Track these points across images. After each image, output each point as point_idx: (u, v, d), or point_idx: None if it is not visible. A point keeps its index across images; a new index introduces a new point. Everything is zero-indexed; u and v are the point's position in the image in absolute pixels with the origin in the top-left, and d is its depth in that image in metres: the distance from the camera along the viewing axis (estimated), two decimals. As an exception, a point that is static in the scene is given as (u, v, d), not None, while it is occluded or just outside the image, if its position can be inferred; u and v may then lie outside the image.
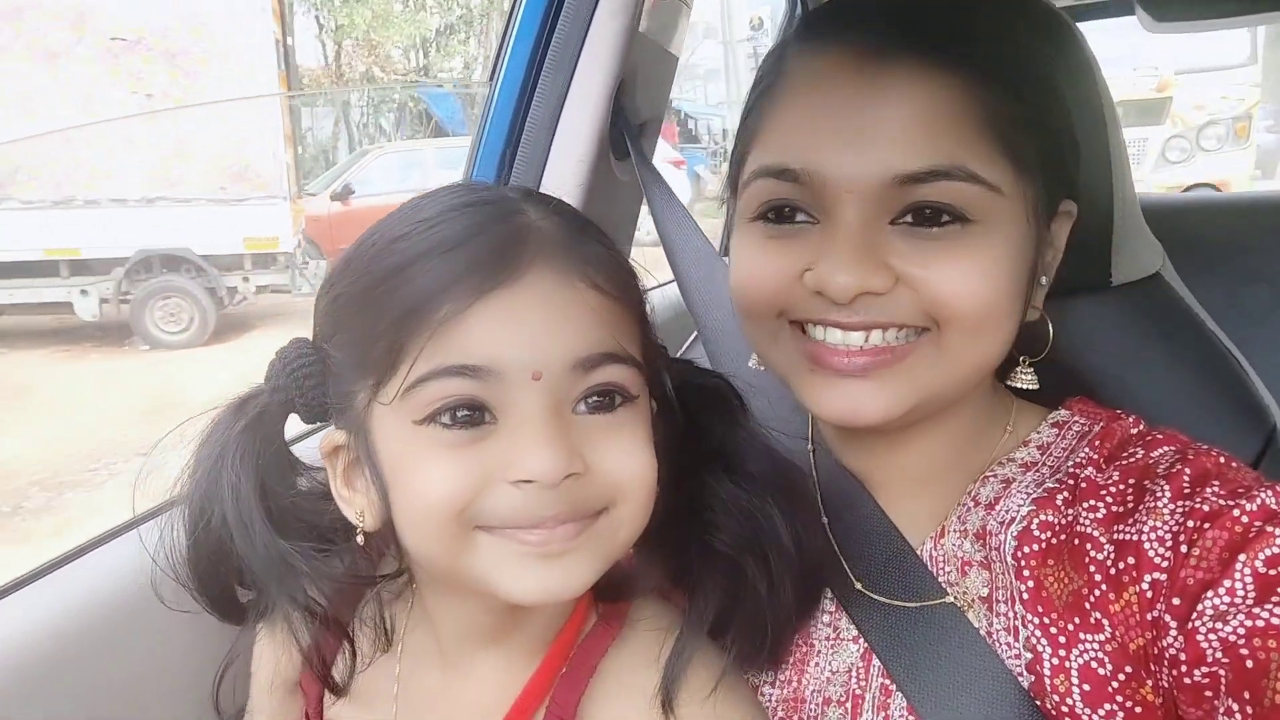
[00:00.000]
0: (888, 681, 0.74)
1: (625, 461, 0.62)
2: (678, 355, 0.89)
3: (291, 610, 0.65)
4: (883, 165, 0.68)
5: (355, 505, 0.65)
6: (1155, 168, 9.03)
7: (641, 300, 0.66)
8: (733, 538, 0.69)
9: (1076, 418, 0.80)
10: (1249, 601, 0.62)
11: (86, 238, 8.10)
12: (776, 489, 0.70)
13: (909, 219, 0.69)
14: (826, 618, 0.80)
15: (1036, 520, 0.73)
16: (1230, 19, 2.23)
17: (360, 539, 0.65)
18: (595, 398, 0.61)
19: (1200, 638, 0.62)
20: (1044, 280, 0.77)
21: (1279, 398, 0.94)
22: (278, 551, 0.64)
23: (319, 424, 0.71)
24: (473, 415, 0.59)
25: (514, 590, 0.60)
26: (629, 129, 1.17)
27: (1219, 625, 0.61)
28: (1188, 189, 2.74)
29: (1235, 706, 0.59)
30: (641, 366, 0.63)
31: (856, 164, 0.68)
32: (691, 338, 1.11)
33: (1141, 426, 0.78)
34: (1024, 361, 0.80)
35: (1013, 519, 0.74)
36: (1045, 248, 0.76)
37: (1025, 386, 0.80)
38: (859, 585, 0.78)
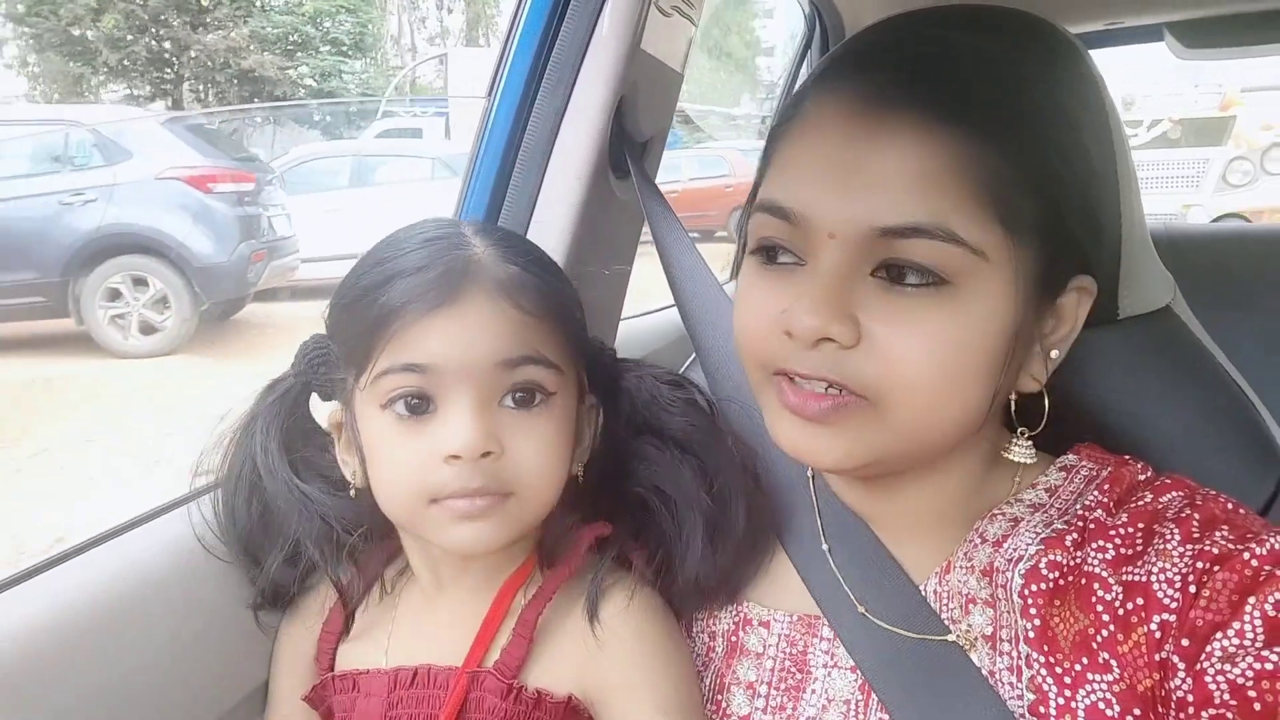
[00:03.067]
0: (886, 717, 0.74)
1: (533, 452, 0.78)
2: (681, 372, 0.93)
3: (311, 540, 0.84)
4: (865, 215, 0.67)
5: (350, 468, 0.84)
6: (1216, 191, 8.51)
7: (568, 314, 0.82)
8: (643, 482, 0.86)
9: (1084, 462, 0.80)
10: (1258, 644, 0.62)
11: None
12: (687, 445, 0.86)
13: (884, 273, 0.68)
14: (825, 644, 0.79)
15: (1045, 559, 0.72)
16: (1262, 46, 2.19)
17: (353, 493, 0.84)
18: (519, 394, 0.78)
19: (1208, 679, 0.62)
20: (1054, 354, 0.75)
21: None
22: (297, 490, 0.85)
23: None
24: (419, 403, 0.77)
25: (447, 543, 0.79)
26: (630, 147, 1.16)
27: (1227, 667, 0.61)
28: (1217, 219, 2.69)
29: None
30: (558, 368, 0.79)
31: (841, 210, 0.68)
32: (690, 359, 1.09)
33: (1149, 472, 0.77)
34: (1022, 434, 0.78)
35: (1020, 557, 0.74)
36: (1044, 320, 0.74)
37: (1019, 460, 0.78)
38: (860, 609, 0.77)
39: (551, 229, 1.12)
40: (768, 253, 0.74)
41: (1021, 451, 0.78)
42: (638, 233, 1.29)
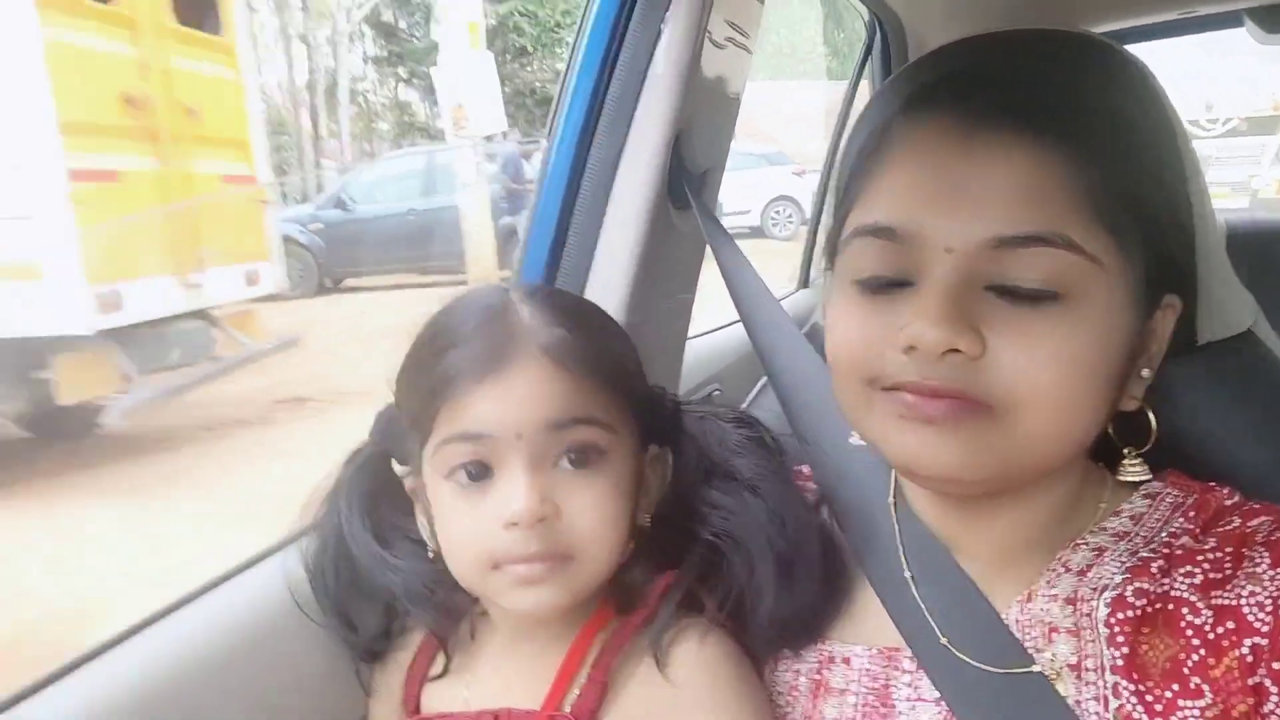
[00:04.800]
0: None
1: (590, 513, 0.79)
2: (749, 400, 0.95)
3: (404, 599, 0.86)
4: (982, 227, 0.67)
5: (427, 531, 0.86)
6: (1271, 164, 12.15)
7: (618, 371, 0.83)
8: (714, 528, 0.85)
9: (1170, 490, 0.78)
10: None
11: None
12: (756, 486, 0.85)
13: (1007, 283, 0.68)
14: (907, 677, 0.78)
15: (1131, 588, 0.71)
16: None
17: (431, 555, 0.85)
18: (573, 454, 0.79)
19: None
20: (1145, 373, 0.75)
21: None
22: (379, 556, 0.87)
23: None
24: (478, 471, 0.78)
25: (511, 606, 0.81)
26: (689, 179, 1.16)
27: None
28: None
29: None
30: (611, 426, 0.80)
31: (955, 224, 0.68)
32: (761, 382, 1.09)
33: (1236, 498, 0.76)
34: (1130, 453, 0.78)
35: (1106, 586, 0.73)
36: (1149, 338, 0.74)
37: (1135, 479, 0.78)
38: (944, 640, 0.76)
39: (614, 266, 1.13)
40: (875, 285, 0.73)
41: (1135, 470, 0.78)
42: (699, 262, 1.29)
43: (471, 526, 0.78)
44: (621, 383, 0.83)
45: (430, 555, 0.85)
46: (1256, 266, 0.93)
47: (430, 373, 0.79)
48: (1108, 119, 0.72)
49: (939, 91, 0.75)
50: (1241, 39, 2.28)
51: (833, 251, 0.80)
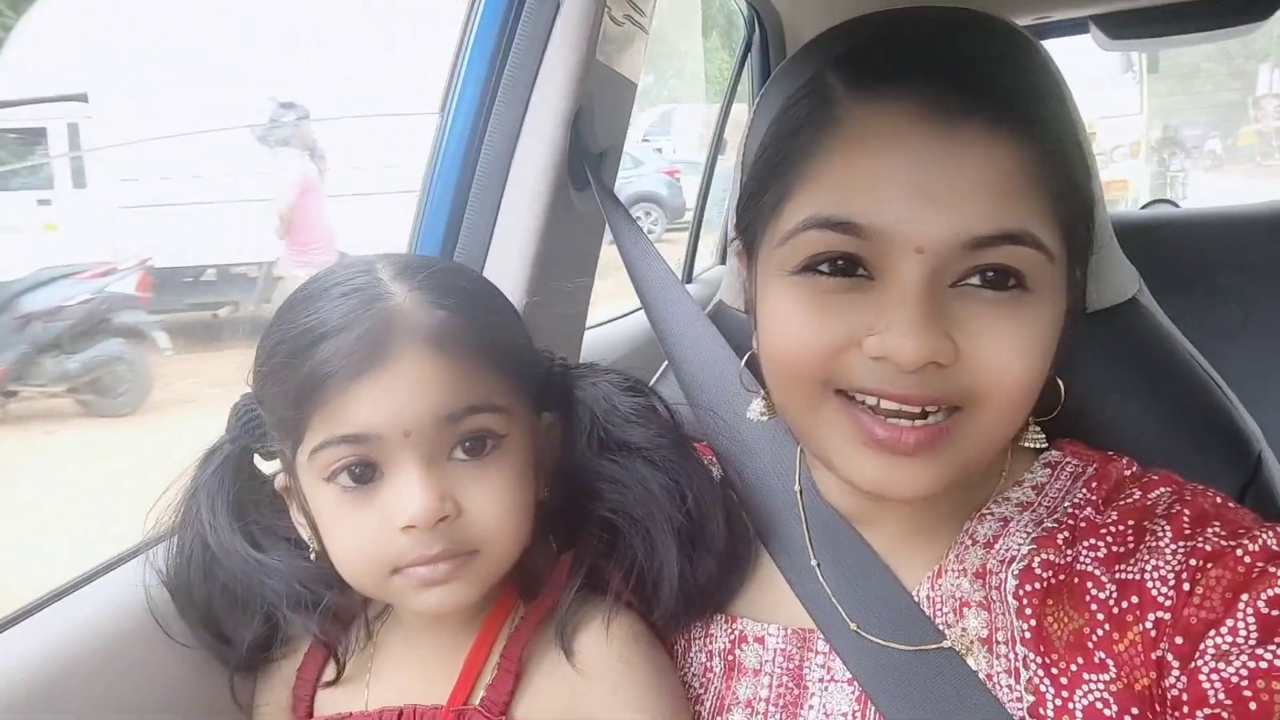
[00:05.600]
0: None
1: (493, 505, 0.74)
2: (651, 384, 0.90)
3: (286, 608, 0.79)
4: (956, 226, 0.65)
5: (306, 530, 0.80)
6: None
7: (508, 346, 0.78)
8: (612, 504, 0.81)
9: (1069, 459, 0.80)
10: (1251, 642, 0.61)
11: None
12: (653, 458, 0.82)
13: (975, 280, 0.67)
14: (820, 659, 0.78)
15: (1038, 559, 0.72)
16: (1186, 36, 2.26)
17: (313, 556, 0.79)
18: (467, 444, 0.73)
19: (1203, 678, 0.62)
20: None
21: (1261, 417, 0.92)
22: (256, 563, 0.79)
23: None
24: (364, 472, 0.72)
25: (416, 608, 0.76)
26: (588, 158, 1.14)
27: (1221, 666, 0.61)
28: (1145, 206, 2.78)
29: None
30: (505, 408, 0.75)
31: (928, 223, 0.65)
32: (663, 366, 1.08)
33: (1135, 468, 0.77)
34: (1031, 422, 0.78)
35: (1013, 557, 0.73)
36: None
37: (1035, 446, 0.79)
38: (853, 626, 0.76)
39: (513, 245, 1.10)
40: (832, 266, 0.69)
41: (1036, 437, 0.78)
42: (599, 244, 1.27)
43: (363, 532, 0.72)
44: (511, 357, 0.78)
45: (312, 555, 0.79)
46: (1133, 253, 0.97)
47: (298, 370, 0.71)
48: (1054, 109, 0.72)
49: (895, 72, 0.70)
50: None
51: (753, 241, 0.76)
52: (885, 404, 0.68)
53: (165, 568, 0.83)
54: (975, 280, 0.67)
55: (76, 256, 6.31)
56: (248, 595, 0.81)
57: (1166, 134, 16.00)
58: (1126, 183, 11.85)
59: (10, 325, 5.39)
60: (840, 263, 0.69)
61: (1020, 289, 0.67)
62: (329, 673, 0.83)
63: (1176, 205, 2.73)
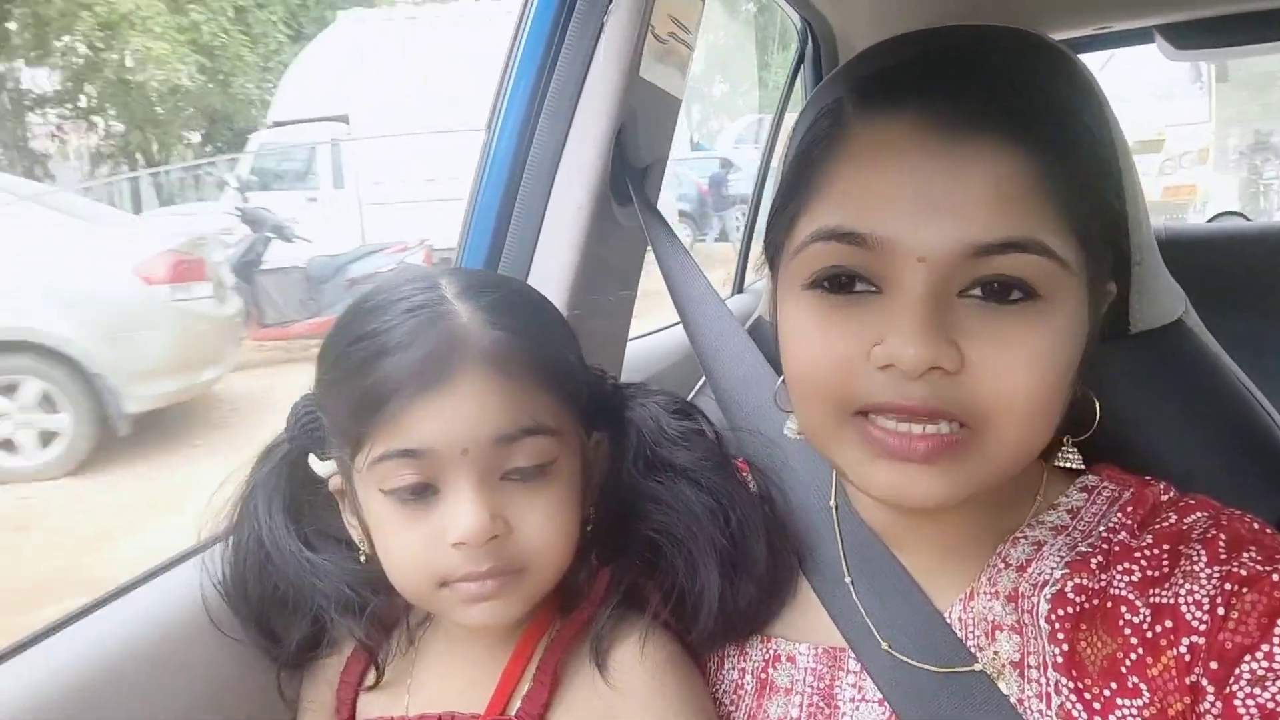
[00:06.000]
0: None
1: (542, 525, 0.75)
2: (689, 398, 0.90)
3: (333, 610, 0.81)
4: (958, 235, 0.65)
5: (357, 533, 0.81)
6: None
7: (562, 368, 0.78)
8: (655, 524, 0.82)
9: (1106, 483, 0.79)
10: None
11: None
12: (699, 480, 0.83)
13: (978, 292, 0.66)
14: (851, 678, 0.78)
15: (1071, 583, 0.71)
16: (1254, 46, 2.20)
17: (364, 559, 0.81)
18: (521, 465, 0.75)
19: (1238, 703, 0.61)
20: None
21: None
22: (308, 563, 0.81)
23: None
24: (421, 487, 0.74)
25: (462, 621, 0.78)
26: (631, 173, 1.15)
27: (1257, 691, 0.61)
28: (1213, 218, 2.70)
29: None
30: (558, 430, 0.76)
31: (930, 232, 0.65)
32: (700, 383, 1.09)
33: (1172, 493, 0.76)
34: (1068, 441, 0.78)
35: (1046, 581, 0.73)
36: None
37: (1071, 465, 0.78)
38: (885, 645, 0.76)
39: (556, 260, 1.12)
40: (835, 283, 0.70)
41: (1071, 458, 0.77)
42: (641, 258, 1.28)
43: (416, 543, 0.74)
44: (567, 380, 0.78)
45: (362, 558, 0.81)
46: (1185, 267, 0.96)
47: (362, 381, 0.72)
48: (1069, 120, 0.71)
49: (899, 88, 0.71)
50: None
51: (775, 255, 0.77)
52: (898, 425, 0.68)
53: (221, 565, 0.85)
54: (978, 292, 0.67)
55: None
56: (298, 596, 0.83)
57: (1259, 139, 15.30)
58: (1194, 187, 12.63)
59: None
60: (844, 279, 0.69)
61: (1030, 300, 0.66)
62: (371, 677, 0.85)
63: (1248, 219, 2.64)
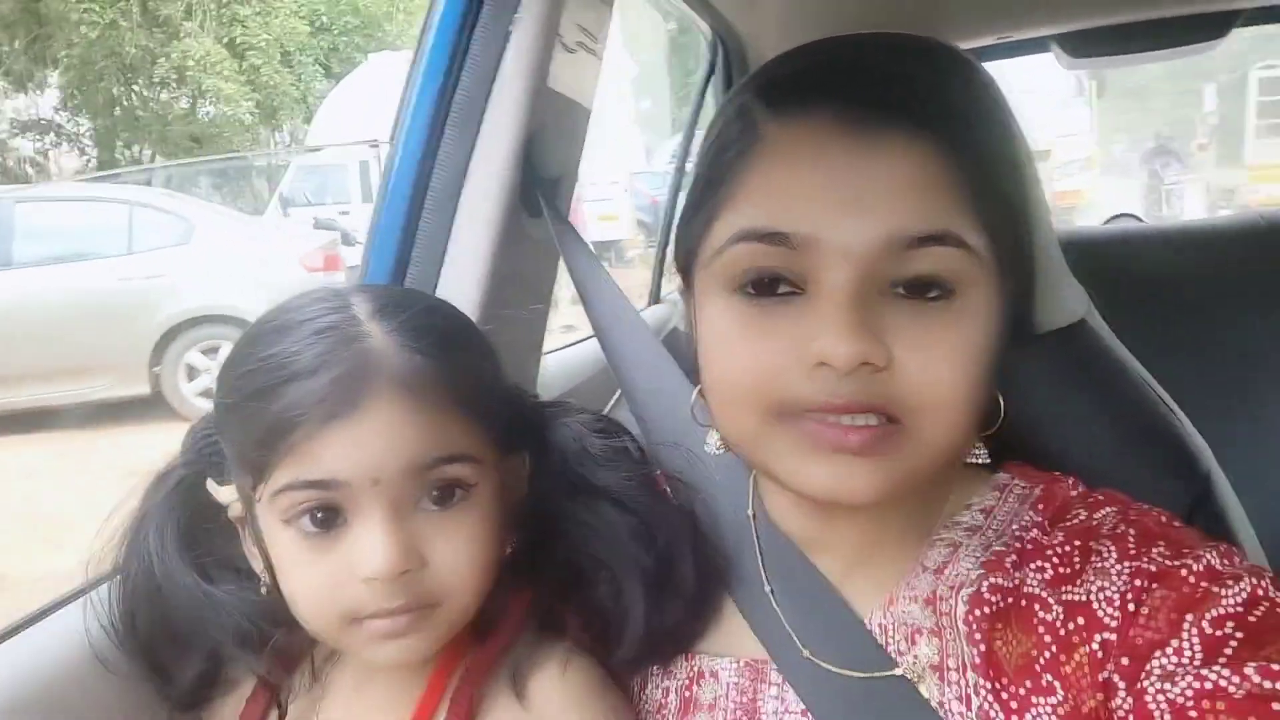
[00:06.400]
0: None
1: (458, 557, 0.72)
2: (605, 413, 0.88)
3: (231, 644, 0.77)
4: (880, 229, 0.66)
5: (259, 564, 0.76)
6: None
7: (481, 392, 0.75)
8: (577, 549, 0.80)
9: (1016, 480, 0.80)
10: (1196, 663, 0.61)
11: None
12: (623, 502, 0.80)
13: (901, 290, 0.67)
14: (774, 690, 0.77)
15: (986, 583, 0.72)
16: (1144, 54, 2.29)
17: (265, 591, 0.76)
18: (436, 494, 0.71)
19: (1149, 699, 0.62)
20: None
21: (1211, 434, 0.93)
22: (204, 594, 0.76)
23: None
24: (328, 517, 0.70)
25: (372, 659, 0.74)
26: (542, 185, 1.13)
27: (1167, 686, 0.61)
28: (1109, 220, 2.80)
29: None
30: (476, 458, 0.73)
31: (852, 228, 0.66)
32: (615, 396, 1.07)
33: (1081, 488, 0.77)
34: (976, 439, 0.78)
35: (963, 583, 0.73)
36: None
37: (978, 461, 0.78)
38: (806, 652, 0.75)
39: (465, 274, 1.09)
40: (759, 285, 0.70)
41: (978, 453, 0.78)
42: (553, 271, 1.26)
43: (322, 578, 0.70)
44: (486, 404, 0.75)
45: (264, 589, 0.77)
46: (1084, 268, 0.98)
47: (265, 407, 0.68)
48: (974, 117, 0.73)
49: (810, 89, 0.72)
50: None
51: (690, 262, 0.77)
52: (831, 417, 0.68)
53: (109, 602, 0.80)
54: (901, 290, 0.67)
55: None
56: (191, 629, 0.78)
57: (1160, 143, 15.74)
58: (1080, 192, 13.96)
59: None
60: (768, 280, 0.69)
61: (946, 298, 0.67)
62: (273, 717, 0.80)
63: (1140, 220, 2.74)
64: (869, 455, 0.68)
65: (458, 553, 0.72)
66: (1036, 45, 2.40)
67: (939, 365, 0.67)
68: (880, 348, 0.66)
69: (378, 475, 0.68)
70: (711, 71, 2.16)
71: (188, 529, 0.79)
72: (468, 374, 0.74)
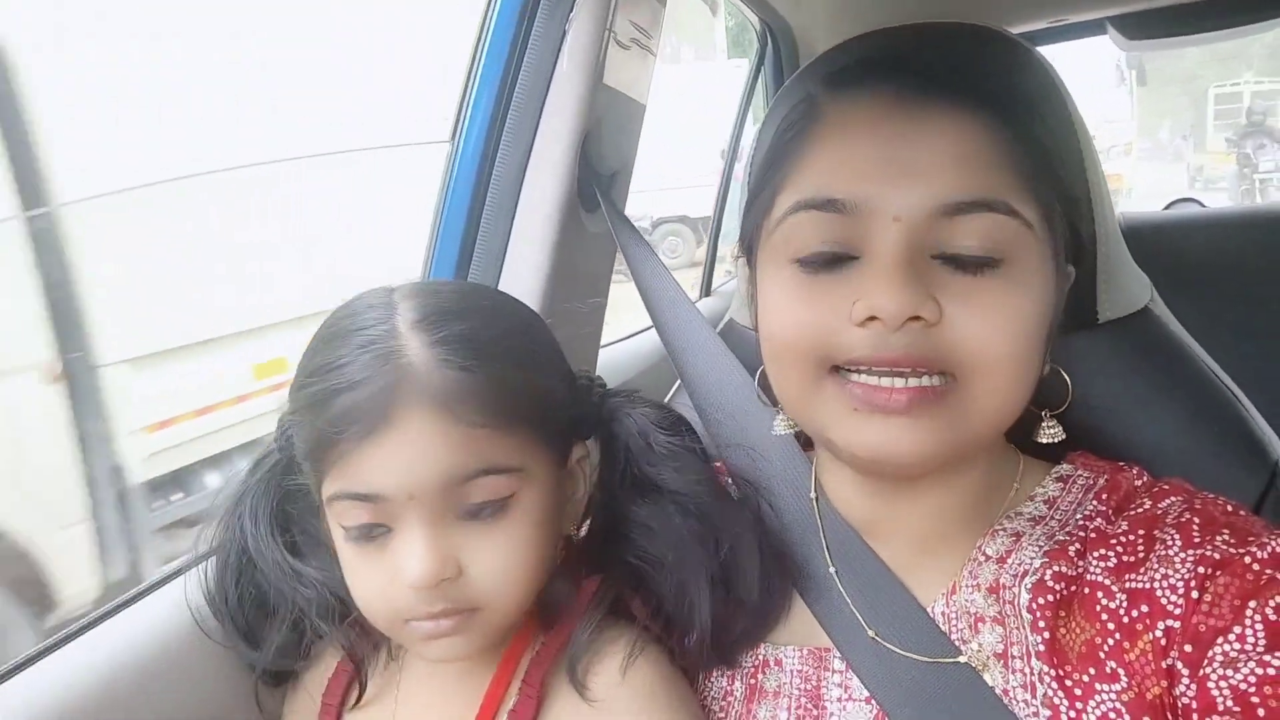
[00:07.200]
0: None
1: (496, 565, 0.73)
2: (666, 401, 0.89)
3: (314, 613, 0.80)
4: (929, 194, 0.68)
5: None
6: None
7: (526, 400, 0.75)
8: (643, 554, 0.80)
9: (1080, 471, 0.80)
10: (1260, 649, 0.61)
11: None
12: (687, 505, 0.80)
13: (952, 263, 0.69)
14: (837, 677, 0.78)
15: (1049, 572, 0.72)
16: (1200, 35, 2.25)
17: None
18: (474, 506, 0.72)
19: (1211, 685, 0.62)
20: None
21: (1277, 425, 0.91)
22: (290, 568, 0.81)
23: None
24: (374, 529, 0.73)
25: (423, 655, 0.77)
26: (598, 180, 1.15)
27: (1230, 673, 0.61)
28: (1169, 205, 2.73)
29: None
30: (518, 468, 0.73)
31: (903, 193, 0.69)
32: (675, 385, 1.08)
33: (1146, 478, 0.77)
34: (1046, 415, 0.79)
35: (1026, 571, 0.73)
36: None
37: (1051, 440, 0.79)
38: (871, 633, 0.76)
39: (525, 270, 1.11)
40: (818, 257, 0.72)
41: (1051, 431, 0.78)
42: (610, 264, 1.28)
43: (374, 582, 0.74)
44: (534, 412, 0.75)
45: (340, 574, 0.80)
46: (1146, 254, 0.97)
47: (316, 419, 0.71)
48: (1030, 99, 0.75)
49: (868, 70, 0.76)
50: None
51: (754, 237, 0.79)
52: (878, 370, 0.69)
53: (208, 573, 0.85)
54: (954, 250, 0.69)
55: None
56: (279, 599, 0.82)
57: (1252, 121, 14.94)
58: (1120, 176, 14.29)
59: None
60: (825, 250, 0.72)
61: (1000, 260, 0.69)
62: (354, 696, 0.83)
63: (1202, 204, 2.68)
64: (917, 415, 0.69)
65: (496, 561, 0.73)
66: (1092, 28, 2.37)
67: (990, 325, 0.68)
68: (930, 303, 0.67)
69: (413, 490, 0.70)
70: (761, 63, 2.16)
71: (280, 508, 0.84)
72: (509, 385, 0.74)
